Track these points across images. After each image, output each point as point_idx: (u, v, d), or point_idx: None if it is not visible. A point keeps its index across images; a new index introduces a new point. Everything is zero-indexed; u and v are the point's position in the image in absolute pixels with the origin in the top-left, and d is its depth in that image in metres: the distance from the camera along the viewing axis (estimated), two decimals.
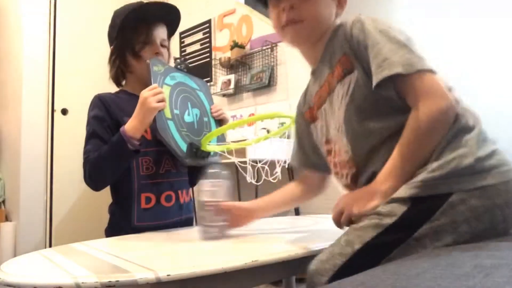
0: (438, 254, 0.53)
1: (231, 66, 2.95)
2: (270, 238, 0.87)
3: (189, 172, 1.26)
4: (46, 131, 2.72)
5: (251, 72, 2.81)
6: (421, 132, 0.66)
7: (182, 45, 3.39)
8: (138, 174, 1.13)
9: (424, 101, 0.66)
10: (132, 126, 1.03)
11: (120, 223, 1.14)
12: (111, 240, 0.95)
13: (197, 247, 0.80)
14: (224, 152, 1.06)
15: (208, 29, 3.19)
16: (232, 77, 2.90)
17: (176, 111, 1.12)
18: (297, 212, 2.45)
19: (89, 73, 2.89)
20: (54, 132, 2.73)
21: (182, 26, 3.38)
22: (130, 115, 1.05)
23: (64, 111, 2.80)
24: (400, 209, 0.61)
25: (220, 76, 3.02)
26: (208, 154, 1.13)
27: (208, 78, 3.13)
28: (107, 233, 1.16)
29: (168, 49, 1.28)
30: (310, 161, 0.98)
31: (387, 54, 0.69)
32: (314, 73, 0.90)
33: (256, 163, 1.06)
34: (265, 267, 0.66)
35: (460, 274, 0.40)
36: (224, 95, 3.01)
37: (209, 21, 3.19)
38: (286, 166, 1.29)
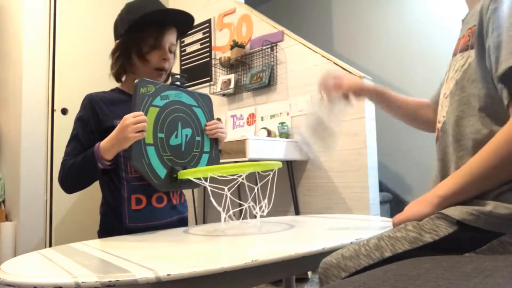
0: (439, 257, 0.53)
1: (231, 65, 2.95)
2: (270, 238, 0.87)
3: None
4: (46, 131, 2.72)
5: (251, 71, 2.81)
6: (506, 149, 0.59)
7: (182, 44, 3.39)
8: (127, 177, 1.12)
9: None
10: (106, 148, 1.02)
11: (112, 224, 1.13)
12: (111, 240, 0.95)
13: (197, 247, 0.80)
14: (200, 180, 1.03)
15: (208, 29, 3.19)
16: (232, 76, 2.90)
17: (160, 135, 1.09)
18: (297, 212, 2.46)
19: (89, 73, 2.89)
20: (54, 132, 2.73)
21: None
22: (121, 118, 1.02)
23: (64, 111, 2.80)
24: (444, 230, 0.60)
25: (220, 76, 3.02)
26: (188, 180, 1.10)
27: (208, 78, 3.13)
28: (99, 235, 1.15)
29: (174, 53, 1.26)
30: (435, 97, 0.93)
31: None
32: (462, 22, 0.82)
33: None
34: (265, 267, 0.66)
35: (461, 275, 0.40)
36: (224, 95, 3.01)
37: (209, 21, 3.19)
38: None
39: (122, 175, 1.12)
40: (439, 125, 0.79)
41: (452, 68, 0.76)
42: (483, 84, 0.67)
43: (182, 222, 1.24)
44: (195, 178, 1.04)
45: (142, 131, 1.01)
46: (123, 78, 1.24)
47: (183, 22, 1.23)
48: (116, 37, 1.21)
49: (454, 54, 0.79)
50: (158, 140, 1.09)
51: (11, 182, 2.72)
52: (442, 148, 0.76)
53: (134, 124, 0.99)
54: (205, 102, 1.26)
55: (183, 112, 1.17)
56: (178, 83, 1.17)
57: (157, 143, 1.08)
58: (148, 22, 1.15)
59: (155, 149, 1.07)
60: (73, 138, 1.13)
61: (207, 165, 1.20)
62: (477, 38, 0.68)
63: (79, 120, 1.15)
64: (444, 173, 0.75)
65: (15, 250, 2.55)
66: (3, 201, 2.78)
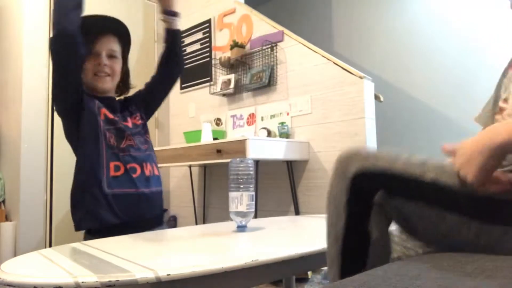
0: (440, 257, 0.53)
1: (231, 65, 2.95)
2: (270, 238, 0.87)
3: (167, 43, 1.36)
4: (46, 131, 2.72)
5: (251, 71, 2.81)
6: None
7: (182, 45, 3.38)
8: (106, 144, 1.18)
9: None
10: None
11: (90, 190, 1.15)
12: (110, 240, 0.95)
13: (197, 247, 0.80)
14: None
15: (208, 29, 3.19)
16: (232, 76, 2.90)
17: None
18: (297, 212, 2.45)
19: None
20: (54, 132, 2.72)
21: (182, 26, 3.38)
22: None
23: None
24: None
25: (220, 76, 3.02)
26: None
27: (208, 78, 3.13)
28: (77, 209, 1.17)
29: (125, 60, 1.32)
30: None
31: None
32: None
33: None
34: (265, 267, 0.66)
35: (461, 274, 0.40)
36: (224, 95, 3.01)
37: (209, 21, 3.18)
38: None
39: (101, 141, 1.18)
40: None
41: None
42: None
43: (159, 195, 1.28)
44: None
45: None
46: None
47: (115, 27, 1.30)
48: None
49: None
50: None
51: (11, 182, 2.72)
52: None
53: None
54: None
55: None
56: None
57: None
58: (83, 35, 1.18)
59: None
60: None
61: None
62: None
63: None
64: None
65: (15, 250, 2.55)
66: (3, 201, 2.77)
